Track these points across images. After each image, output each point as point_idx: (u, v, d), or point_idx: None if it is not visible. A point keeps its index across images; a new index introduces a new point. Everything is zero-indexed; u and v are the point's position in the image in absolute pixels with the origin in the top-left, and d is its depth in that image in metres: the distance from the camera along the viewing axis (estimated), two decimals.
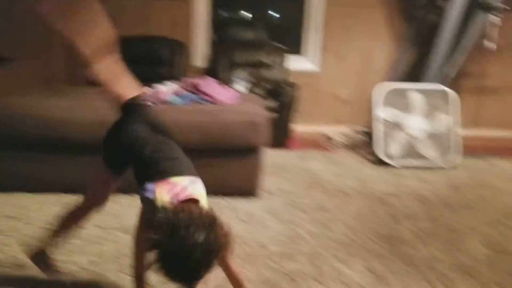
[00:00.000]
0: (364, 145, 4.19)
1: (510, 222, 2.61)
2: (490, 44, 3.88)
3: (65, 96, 3.07)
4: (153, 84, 3.26)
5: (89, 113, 2.72)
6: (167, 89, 3.09)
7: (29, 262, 1.91)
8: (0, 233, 2.27)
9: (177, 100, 2.95)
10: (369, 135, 4.19)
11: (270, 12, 5.28)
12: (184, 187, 1.46)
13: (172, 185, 1.46)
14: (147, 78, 4.25)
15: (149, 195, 1.48)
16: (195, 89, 3.11)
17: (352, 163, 3.71)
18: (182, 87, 3.16)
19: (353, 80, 4.85)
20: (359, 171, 3.50)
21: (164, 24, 4.67)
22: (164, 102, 2.93)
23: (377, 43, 4.77)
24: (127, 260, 2.03)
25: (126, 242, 2.19)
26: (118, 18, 4.52)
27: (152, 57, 4.48)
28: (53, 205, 2.60)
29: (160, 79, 4.29)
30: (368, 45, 4.78)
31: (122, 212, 2.55)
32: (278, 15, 5.30)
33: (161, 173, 1.51)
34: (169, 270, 1.28)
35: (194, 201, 1.43)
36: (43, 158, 2.76)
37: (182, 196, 1.42)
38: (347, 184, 3.17)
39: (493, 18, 3.77)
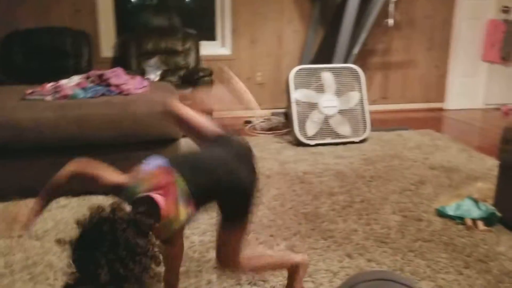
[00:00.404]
0: (283, 127, 4.26)
1: (418, 189, 2.79)
2: (389, 21, 4.08)
3: None
4: (59, 80, 3.05)
5: None
6: (68, 83, 2.91)
7: None
8: None
9: (81, 93, 2.78)
10: (287, 116, 4.26)
11: None
12: (172, 187, 1.32)
13: (165, 177, 1.33)
14: (53, 72, 4.05)
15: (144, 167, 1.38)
16: (101, 81, 2.96)
17: (272, 145, 3.75)
18: (87, 79, 2.99)
19: (267, 63, 4.90)
20: (279, 153, 3.55)
21: (66, 14, 4.40)
22: (66, 96, 2.76)
23: (288, 25, 4.84)
24: (39, 268, 1.92)
25: (35, 250, 2.06)
26: (16, 10, 4.26)
27: (55, 50, 4.21)
28: None
29: (66, 72, 4.07)
30: (279, 28, 4.84)
31: None
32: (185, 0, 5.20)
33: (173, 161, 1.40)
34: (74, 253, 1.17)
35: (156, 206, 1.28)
36: None
37: (155, 193, 1.29)
38: (268, 167, 3.20)
39: None
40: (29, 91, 2.84)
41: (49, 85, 2.92)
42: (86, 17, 4.44)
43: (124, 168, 1.44)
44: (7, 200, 2.53)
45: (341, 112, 3.83)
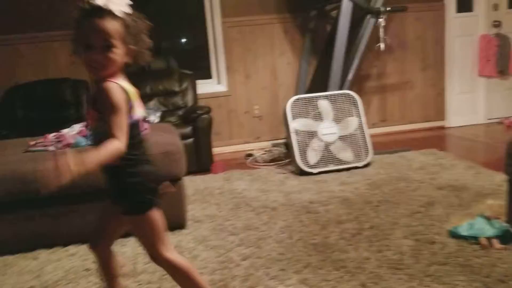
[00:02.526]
0: (284, 157, 4.26)
1: (428, 211, 2.74)
2: (380, 45, 4.14)
3: None
4: (61, 129, 3.08)
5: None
6: (70, 131, 2.94)
7: None
8: None
9: (82, 141, 2.80)
10: (287, 146, 4.27)
11: (178, 39, 5.27)
12: None
13: None
14: (56, 122, 4.09)
15: None
16: None
17: (275, 177, 3.74)
18: (87, 127, 3.02)
19: (263, 96, 4.95)
20: (283, 184, 3.53)
21: (63, 65, 4.48)
22: (69, 145, 2.78)
23: (281, 58, 4.92)
24: None
25: None
26: (15, 65, 4.36)
27: (56, 100, 4.27)
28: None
29: (67, 122, 4.11)
30: (272, 61, 4.91)
31: (41, 267, 2.37)
32: (184, 41, 5.31)
33: None
34: None
35: None
36: None
37: None
38: (273, 199, 3.18)
39: (380, 21, 4.04)
40: (32, 142, 2.86)
41: (51, 135, 2.95)
42: (83, 67, 4.51)
43: None
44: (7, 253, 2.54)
45: (341, 138, 3.83)
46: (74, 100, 4.31)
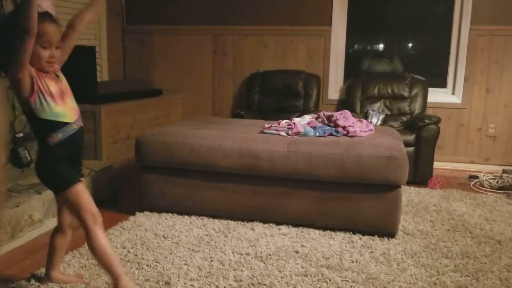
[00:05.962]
0: None
1: None
2: None
3: (211, 126, 3.27)
4: (291, 117, 3.33)
5: (231, 142, 2.86)
6: (300, 121, 3.12)
7: (175, 278, 2.03)
8: (156, 249, 2.46)
9: (311, 131, 2.95)
10: None
11: (406, 41, 5.08)
12: None
13: None
14: (284, 109, 4.44)
15: None
16: (329, 121, 3.10)
17: (504, 207, 3.31)
18: (317, 119, 3.17)
19: (502, 114, 4.41)
20: None
21: (300, 59, 4.79)
22: (298, 133, 2.96)
23: None
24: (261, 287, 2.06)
25: (261, 271, 2.22)
26: (261, 54, 4.85)
27: (289, 90, 4.61)
28: (198, 228, 2.77)
29: (295, 111, 4.41)
30: None
31: (257, 238, 2.62)
32: (414, 46, 5.09)
33: None
34: None
35: None
36: (191, 183, 2.95)
37: None
38: (499, 231, 2.82)
39: None
40: (267, 125, 3.15)
41: (283, 122, 3.19)
42: (318, 62, 4.75)
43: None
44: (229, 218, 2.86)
45: None
46: (305, 92, 4.58)
